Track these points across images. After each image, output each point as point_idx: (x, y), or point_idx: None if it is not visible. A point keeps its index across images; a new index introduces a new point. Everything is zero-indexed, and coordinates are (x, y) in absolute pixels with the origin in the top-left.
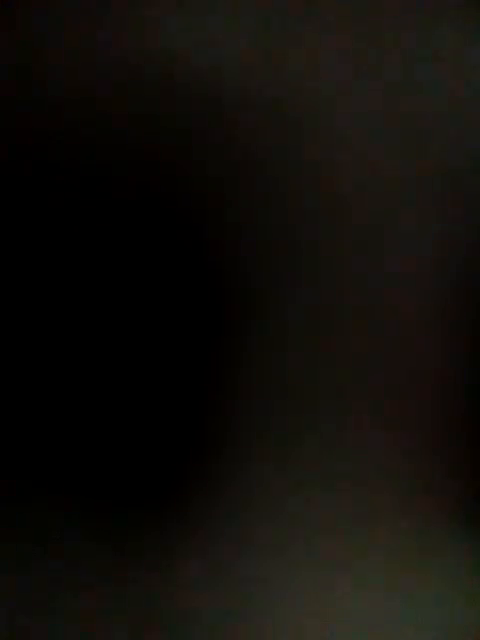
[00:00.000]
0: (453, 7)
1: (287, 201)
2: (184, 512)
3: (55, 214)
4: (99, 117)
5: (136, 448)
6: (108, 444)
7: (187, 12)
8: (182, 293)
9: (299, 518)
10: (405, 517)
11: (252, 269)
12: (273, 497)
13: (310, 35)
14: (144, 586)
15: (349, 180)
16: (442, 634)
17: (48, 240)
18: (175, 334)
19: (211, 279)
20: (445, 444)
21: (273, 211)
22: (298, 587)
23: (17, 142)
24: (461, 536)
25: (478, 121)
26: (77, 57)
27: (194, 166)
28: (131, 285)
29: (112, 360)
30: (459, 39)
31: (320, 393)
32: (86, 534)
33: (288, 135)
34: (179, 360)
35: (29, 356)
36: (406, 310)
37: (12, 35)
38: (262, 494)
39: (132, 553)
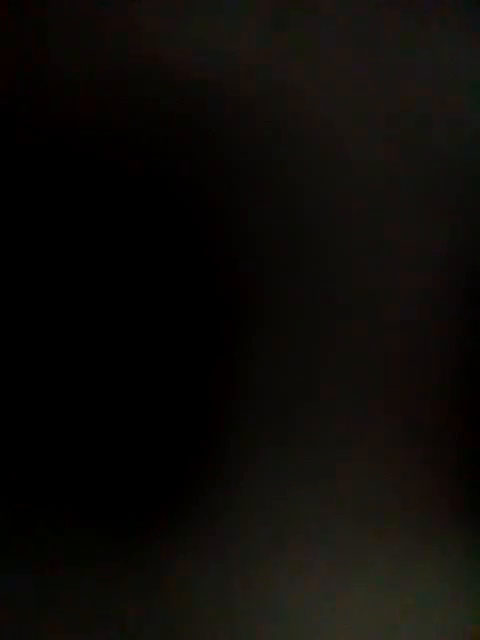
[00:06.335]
0: (453, 7)
1: (288, 201)
2: (184, 512)
3: (57, 217)
4: (99, 117)
5: (137, 449)
6: (109, 445)
7: (187, 12)
8: (182, 293)
9: (299, 518)
10: (405, 517)
11: (253, 269)
12: (273, 498)
13: (310, 35)
14: (144, 586)
15: (349, 180)
16: (442, 634)
17: (51, 242)
18: (175, 336)
19: (212, 279)
20: (445, 445)
21: (273, 210)
22: (298, 587)
23: (17, 142)
24: (461, 535)
25: (478, 121)
26: (77, 57)
27: (194, 166)
28: (134, 287)
29: (113, 360)
30: (459, 38)
31: (320, 393)
32: (86, 534)
33: (288, 136)
34: (179, 358)
35: (31, 355)
36: (407, 310)
37: (13, 31)
38: (262, 495)
39: (132, 553)
